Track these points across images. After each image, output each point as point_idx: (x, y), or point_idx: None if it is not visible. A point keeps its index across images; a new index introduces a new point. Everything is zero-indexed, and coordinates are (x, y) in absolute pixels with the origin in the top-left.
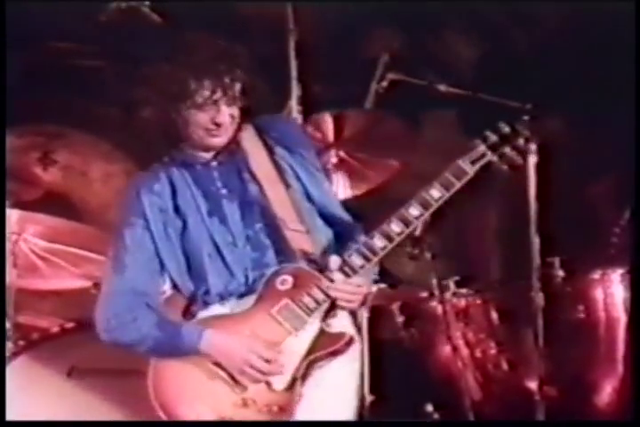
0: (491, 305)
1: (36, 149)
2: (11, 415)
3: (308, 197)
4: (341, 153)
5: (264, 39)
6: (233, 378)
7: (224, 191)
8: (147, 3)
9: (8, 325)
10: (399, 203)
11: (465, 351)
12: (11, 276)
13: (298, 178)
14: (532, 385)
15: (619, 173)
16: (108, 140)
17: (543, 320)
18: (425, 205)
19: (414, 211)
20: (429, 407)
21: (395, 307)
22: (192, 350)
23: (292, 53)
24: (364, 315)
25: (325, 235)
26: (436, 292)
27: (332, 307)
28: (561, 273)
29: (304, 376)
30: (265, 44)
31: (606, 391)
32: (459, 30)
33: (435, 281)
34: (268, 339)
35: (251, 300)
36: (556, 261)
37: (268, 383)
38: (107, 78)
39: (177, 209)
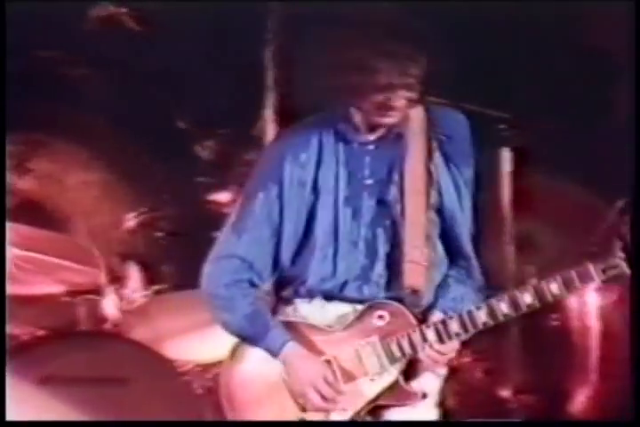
0: None
1: (12, 158)
2: None
3: (441, 217)
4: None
5: (241, 47)
6: (294, 396)
7: (369, 182)
8: (124, 10)
9: None
10: None
11: None
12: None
13: (440, 194)
14: (507, 393)
15: (599, 181)
16: (88, 149)
17: (518, 328)
18: (540, 297)
19: (528, 298)
20: None
21: None
22: (272, 354)
23: (269, 62)
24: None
25: (440, 268)
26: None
27: (414, 365)
28: (535, 281)
29: (363, 419)
30: (242, 53)
31: (579, 399)
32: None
33: None
34: (344, 369)
35: (342, 313)
36: (531, 269)
37: (329, 417)
38: (92, 87)
39: (316, 184)
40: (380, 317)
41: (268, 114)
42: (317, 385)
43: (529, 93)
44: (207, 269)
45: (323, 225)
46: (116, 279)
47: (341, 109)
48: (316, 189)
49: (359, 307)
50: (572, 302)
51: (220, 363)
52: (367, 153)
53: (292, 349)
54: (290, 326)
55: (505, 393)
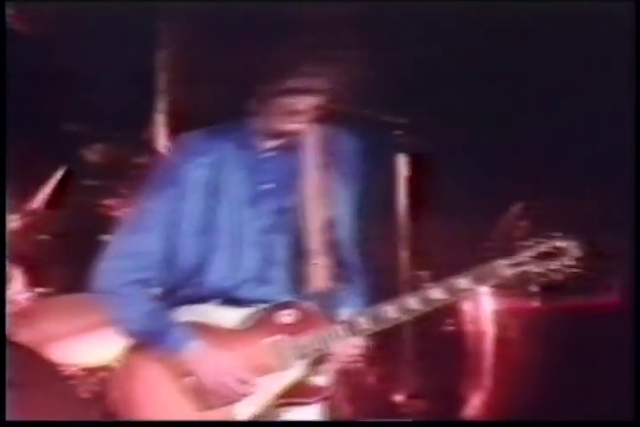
0: None
1: None
2: None
3: (332, 229)
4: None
5: (134, 51)
6: (201, 394)
7: (268, 187)
8: (11, 11)
9: None
10: None
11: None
12: None
13: (334, 205)
14: (400, 398)
15: (498, 183)
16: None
17: (412, 333)
18: (451, 292)
19: (436, 294)
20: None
21: None
22: (173, 353)
23: (159, 65)
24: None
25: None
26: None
27: (321, 360)
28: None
29: (266, 416)
30: (134, 57)
31: (473, 404)
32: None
33: None
34: (251, 365)
35: (244, 313)
36: (425, 274)
37: (233, 411)
38: None
39: (216, 187)
40: (288, 315)
41: (159, 118)
42: (227, 380)
43: (426, 99)
44: (103, 267)
45: (223, 228)
46: None
47: (242, 116)
48: (216, 192)
49: (263, 307)
50: (467, 306)
51: (105, 367)
52: (267, 160)
53: (195, 346)
54: (192, 326)
55: (398, 398)
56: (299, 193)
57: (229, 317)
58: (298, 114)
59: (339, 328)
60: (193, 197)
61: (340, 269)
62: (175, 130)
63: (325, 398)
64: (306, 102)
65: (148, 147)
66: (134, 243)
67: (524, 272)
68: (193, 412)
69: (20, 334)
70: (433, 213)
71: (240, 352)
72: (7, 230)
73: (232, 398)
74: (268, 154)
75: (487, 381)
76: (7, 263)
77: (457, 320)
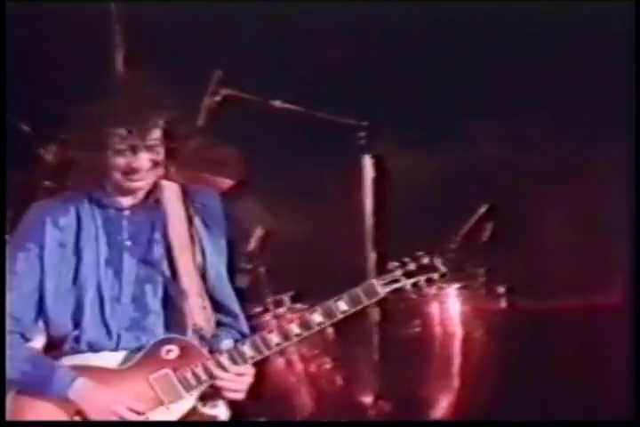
0: None
1: None
2: None
3: (205, 276)
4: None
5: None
6: None
7: (128, 243)
8: None
9: None
10: None
11: (299, 366)
12: None
13: (203, 254)
14: (367, 400)
15: (461, 189)
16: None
17: (378, 335)
18: (329, 315)
19: (317, 317)
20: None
21: None
22: (60, 395)
23: (120, 65)
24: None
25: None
26: (271, 307)
27: (212, 392)
28: None
29: None
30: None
31: (441, 406)
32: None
33: (269, 296)
34: (140, 400)
35: (124, 355)
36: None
37: None
38: None
39: (77, 247)
40: (169, 351)
41: None
42: (118, 411)
43: (387, 101)
44: None
45: (86, 286)
46: None
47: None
48: (77, 250)
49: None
50: (434, 307)
51: None
52: (123, 217)
53: (81, 384)
54: (75, 369)
55: (364, 400)
56: (162, 244)
57: (111, 358)
58: (138, 171)
59: (223, 358)
60: (52, 257)
61: (220, 316)
62: None
63: None
64: (143, 159)
65: None
66: (7, 302)
67: (398, 289)
68: None
69: None
70: (398, 215)
71: (127, 389)
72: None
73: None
74: (124, 212)
75: (455, 382)
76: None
77: (424, 322)
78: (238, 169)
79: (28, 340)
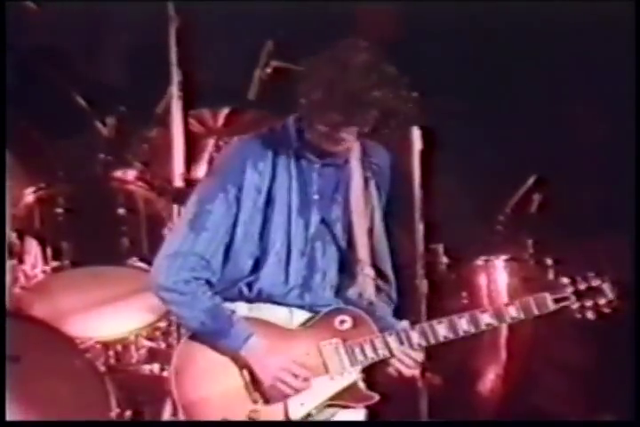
0: None
1: None
2: None
3: (372, 239)
4: (221, 142)
5: (145, 25)
6: (257, 389)
7: (316, 197)
8: None
9: None
10: None
11: None
12: None
13: (373, 218)
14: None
15: (506, 161)
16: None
17: (427, 307)
18: (499, 319)
19: (487, 319)
20: None
21: None
22: (234, 349)
23: (173, 39)
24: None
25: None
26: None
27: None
28: (445, 260)
29: (318, 415)
30: (146, 30)
31: (489, 378)
32: (346, 18)
33: None
34: (306, 365)
35: (302, 315)
36: (440, 247)
37: (286, 409)
38: None
39: (269, 194)
40: (343, 321)
41: (174, 91)
42: (284, 377)
43: (439, 72)
44: (163, 263)
45: (276, 233)
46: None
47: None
48: (270, 197)
49: (322, 311)
50: (482, 279)
51: (121, 340)
52: (315, 170)
53: (255, 343)
54: (252, 322)
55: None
56: (342, 205)
57: (287, 317)
58: (344, 140)
59: (390, 339)
60: (248, 201)
61: (380, 282)
62: (189, 104)
63: (375, 404)
64: (349, 131)
65: (160, 120)
66: (193, 242)
67: (564, 307)
68: (248, 404)
69: (35, 308)
70: (446, 187)
71: (298, 351)
72: (6, 231)
73: (287, 393)
74: (315, 165)
75: (502, 354)
76: (6, 264)
77: (472, 293)
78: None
79: (212, 285)
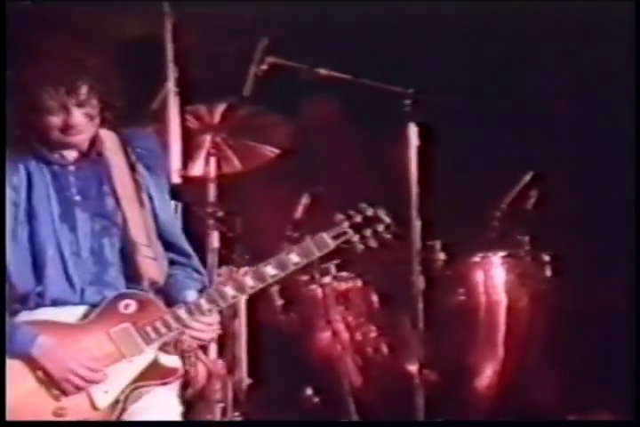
0: (371, 289)
1: None
2: None
3: (155, 219)
4: (217, 138)
5: (141, 21)
6: (54, 385)
7: (78, 198)
8: None
9: None
10: None
11: (345, 335)
12: None
13: (151, 198)
14: (412, 369)
15: (503, 157)
16: None
17: (423, 303)
18: (282, 267)
19: (271, 270)
20: (309, 391)
21: (274, 290)
22: (23, 353)
23: (169, 35)
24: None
25: (165, 263)
26: (317, 275)
27: (169, 343)
28: (442, 256)
29: (127, 400)
30: (142, 27)
31: (486, 374)
32: (342, 14)
33: (315, 264)
34: (99, 356)
35: (84, 311)
36: (437, 244)
37: (92, 400)
38: None
39: (29, 205)
40: (127, 305)
41: (170, 87)
42: (75, 369)
43: (436, 69)
44: None
45: (45, 243)
46: None
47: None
48: (30, 209)
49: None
50: (479, 275)
51: None
52: (70, 173)
53: (44, 341)
54: (34, 325)
55: (410, 369)
56: (112, 196)
57: (71, 313)
58: (74, 127)
59: (180, 311)
60: (9, 215)
61: (174, 255)
62: (185, 100)
63: (180, 377)
64: (77, 115)
65: (157, 116)
66: None
67: (346, 242)
68: (50, 402)
69: None
70: (443, 183)
71: (88, 343)
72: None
73: (82, 385)
74: (69, 167)
75: (500, 350)
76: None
77: (469, 290)
78: (285, 137)
79: None
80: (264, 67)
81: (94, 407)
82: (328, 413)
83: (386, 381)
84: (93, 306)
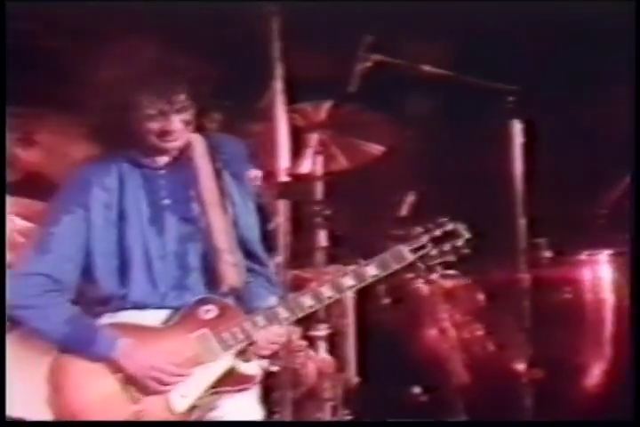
0: (478, 286)
1: (15, 130)
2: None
3: (236, 226)
4: (324, 136)
5: (249, 20)
6: (133, 386)
7: (167, 202)
8: None
9: None
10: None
11: (452, 333)
12: None
13: (233, 205)
14: (520, 367)
15: (607, 155)
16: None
17: (530, 302)
18: (360, 279)
19: (349, 281)
20: (416, 389)
21: (381, 288)
22: (104, 356)
23: (276, 34)
24: (349, 296)
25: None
26: (423, 273)
27: (246, 349)
28: (548, 254)
29: (204, 406)
30: (249, 25)
31: (594, 373)
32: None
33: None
34: (178, 360)
35: (165, 315)
36: (543, 242)
37: (168, 402)
38: (73, 59)
39: (121, 207)
40: (208, 311)
41: (277, 85)
42: (155, 372)
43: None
44: (11, 283)
45: (133, 246)
46: None
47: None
48: (121, 211)
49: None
50: (585, 273)
51: None
52: (160, 177)
53: (125, 344)
54: (117, 327)
55: (518, 367)
56: (197, 201)
57: (152, 317)
58: (172, 133)
59: (258, 318)
60: (99, 219)
61: (249, 263)
62: (292, 98)
63: (257, 384)
64: (175, 122)
65: (265, 115)
66: (38, 264)
67: (424, 255)
68: (127, 405)
69: None
70: (548, 180)
71: (168, 347)
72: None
73: (160, 388)
74: (160, 171)
75: (607, 349)
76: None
77: (575, 288)
78: (389, 135)
79: (66, 294)
80: (368, 64)
81: (171, 411)
82: (436, 412)
83: (493, 380)
84: (174, 310)
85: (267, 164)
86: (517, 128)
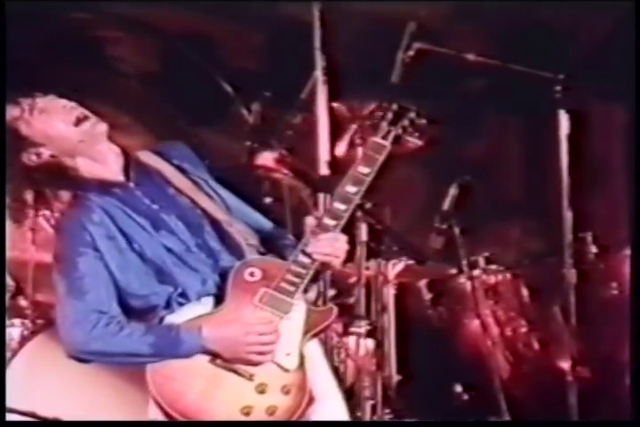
0: (521, 282)
1: None
2: (29, 397)
3: (228, 209)
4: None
5: (289, 10)
6: (240, 363)
7: (156, 207)
8: None
9: (26, 303)
10: None
11: (495, 330)
12: (29, 252)
13: (215, 192)
14: (564, 365)
15: None
16: (127, 113)
17: (575, 298)
18: (358, 183)
19: (351, 188)
20: (458, 388)
21: (422, 284)
22: (195, 350)
23: (317, 23)
24: (390, 292)
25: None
26: (465, 268)
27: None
28: (593, 249)
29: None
30: (290, 15)
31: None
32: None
33: (464, 257)
34: (259, 325)
35: (212, 299)
36: (589, 236)
37: (280, 366)
38: (123, 49)
39: (122, 233)
40: (252, 274)
41: (318, 76)
42: (249, 347)
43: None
44: (70, 334)
45: (158, 254)
46: None
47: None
48: (125, 235)
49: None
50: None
51: None
52: (134, 190)
53: (208, 331)
54: (189, 323)
55: (562, 365)
56: (181, 196)
57: (205, 304)
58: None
59: (300, 256)
60: (112, 251)
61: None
62: (334, 88)
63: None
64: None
65: (306, 106)
66: (84, 307)
67: (396, 138)
68: (247, 385)
69: None
70: (594, 172)
71: (243, 320)
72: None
73: (265, 350)
74: (129, 185)
75: None
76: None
77: (621, 284)
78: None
79: (127, 323)
80: (411, 53)
81: (285, 371)
82: (478, 410)
83: (537, 377)
84: (218, 289)
85: (308, 155)
86: (564, 118)
